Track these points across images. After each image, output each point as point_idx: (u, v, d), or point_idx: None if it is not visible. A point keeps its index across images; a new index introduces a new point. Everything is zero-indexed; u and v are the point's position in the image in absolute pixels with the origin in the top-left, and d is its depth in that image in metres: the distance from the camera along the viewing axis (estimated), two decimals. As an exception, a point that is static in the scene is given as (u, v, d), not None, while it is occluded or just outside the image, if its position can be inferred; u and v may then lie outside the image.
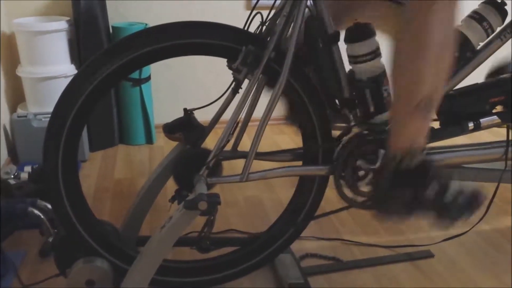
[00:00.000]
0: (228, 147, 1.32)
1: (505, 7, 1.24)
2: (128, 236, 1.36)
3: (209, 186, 1.18)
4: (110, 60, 1.14)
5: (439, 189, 1.15)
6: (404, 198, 1.16)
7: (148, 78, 2.29)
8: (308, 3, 1.17)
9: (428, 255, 1.48)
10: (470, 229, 1.40)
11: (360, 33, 1.20)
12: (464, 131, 1.27)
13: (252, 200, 1.84)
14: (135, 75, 2.22)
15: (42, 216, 1.41)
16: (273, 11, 1.20)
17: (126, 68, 1.15)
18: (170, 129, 1.28)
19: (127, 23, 2.29)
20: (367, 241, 1.56)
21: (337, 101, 1.26)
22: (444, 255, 1.49)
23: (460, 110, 1.27)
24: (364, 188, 1.27)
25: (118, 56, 1.14)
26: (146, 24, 2.24)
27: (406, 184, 1.15)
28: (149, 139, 2.36)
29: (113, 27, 2.24)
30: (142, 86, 2.26)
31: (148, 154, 2.26)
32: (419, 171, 1.14)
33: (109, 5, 2.28)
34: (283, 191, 1.87)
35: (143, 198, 1.35)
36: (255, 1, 1.21)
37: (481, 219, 1.35)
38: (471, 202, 1.16)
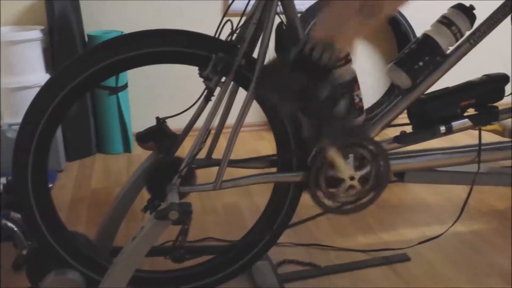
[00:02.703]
0: (203, 154, 1.33)
1: (473, 11, 1.26)
2: (102, 247, 1.34)
3: (182, 195, 1.17)
4: (79, 69, 1.13)
5: (330, 96, 1.12)
6: (296, 84, 1.11)
7: (125, 86, 2.27)
8: (278, 10, 1.17)
9: (405, 258, 1.49)
10: (445, 231, 1.41)
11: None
12: (436, 135, 1.28)
13: (230, 207, 1.83)
14: (112, 83, 2.20)
15: (15, 229, 1.39)
16: (244, 18, 1.21)
17: (95, 78, 1.14)
18: (142, 138, 1.27)
19: (102, 31, 2.27)
20: (344, 245, 1.57)
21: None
22: (420, 258, 1.49)
23: (431, 114, 1.28)
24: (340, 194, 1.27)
25: (88, 65, 1.13)
26: (122, 32, 2.22)
27: (304, 73, 1.11)
28: (127, 148, 2.34)
29: (88, 35, 2.22)
30: (119, 94, 2.24)
31: (126, 162, 2.24)
32: (323, 70, 1.11)
33: (84, 13, 2.26)
34: (261, 198, 1.86)
35: (116, 208, 1.34)
36: (227, 8, 1.22)
37: (455, 221, 1.36)
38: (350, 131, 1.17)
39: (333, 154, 1.19)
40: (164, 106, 2.54)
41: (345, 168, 1.21)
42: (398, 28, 2.47)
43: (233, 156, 1.34)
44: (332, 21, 1.09)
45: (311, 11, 2.42)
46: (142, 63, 1.18)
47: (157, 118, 1.27)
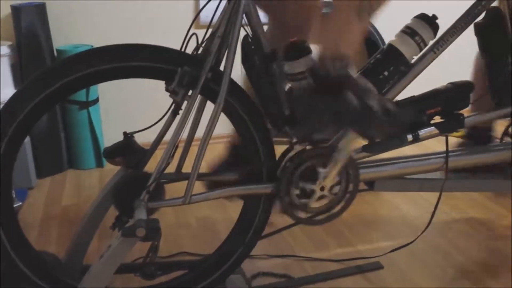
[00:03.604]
0: (174, 169, 1.32)
1: (436, 21, 1.28)
2: (72, 266, 1.31)
3: (151, 210, 1.16)
4: (44, 85, 1.11)
5: (362, 99, 1.13)
6: (327, 108, 1.14)
7: (96, 101, 2.25)
8: (244, 22, 1.18)
9: (378, 266, 1.50)
10: (416, 238, 1.42)
11: (297, 51, 1.21)
12: (403, 143, 1.29)
13: (204, 220, 1.82)
14: (82, 97, 2.18)
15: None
16: (210, 31, 1.21)
17: (60, 93, 1.12)
18: (110, 153, 1.25)
19: (72, 45, 2.24)
20: (319, 255, 1.56)
21: (278, 119, 1.26)
22: (393, 266, 1.50)
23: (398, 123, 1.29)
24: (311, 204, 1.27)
25: (52, 81, 1.11)
26: (91, 46, 2.20)
27: (327, 94, 1.12)
28: (99, 163, 2.31)
29: (57, 50, 2.19)
30: (90, 108, 2.21)
31: (99, 178, 2.21)
32: (339, 80, 1.12)
33: (53, 27, 2.23)
34: (236, 210, 1.83)
35: (86, 226, 1.31)
36: (192, 22, 1.22)
37: (425, 228, 1.38)
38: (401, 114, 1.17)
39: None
40: (137, 120, 2.51)
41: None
42: (368, 38, 2.50)
43: (208, 169, 1.34)
44: (337, 32, 1.11)
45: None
46: (106, 78, 1.17)
47: (125, 133, 1.25)
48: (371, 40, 2.48)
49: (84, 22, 2.32)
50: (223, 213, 1.85)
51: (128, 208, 1.14)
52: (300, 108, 1.16)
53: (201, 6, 1.23)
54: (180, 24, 2.49)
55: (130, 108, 2.46)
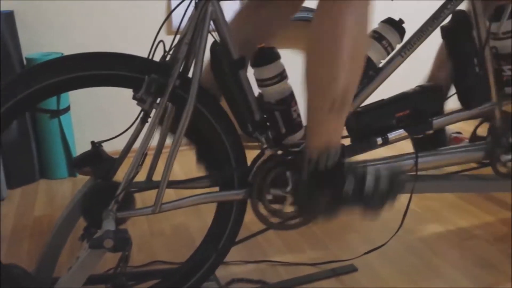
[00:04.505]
0: (144, 177, 1.30)
1: (403, 25, 1.30)
2: (41, 278, 1.28)
3: (120, 220, 1.14)
4: (11, 93, 1.09)
5: (356, 182, 1.18)
6: (325, 199, 1.18)
7: (67, 109, 2.21)
8: (211, 28, 1.17)
9: (352, 269, 1.50)
10: (388, 240, 1.43)
11: (265, 57, 1.21)
12: (373, 146, 1.30)
13: (179, 228, 1.80)
14: (53, 106, 2.14)
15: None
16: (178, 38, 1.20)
17: (27, 102, 1.11)
18: (78, 163, 1.23)
19: (41, 53, 2.21)
20: (294, 260, 1.56)
21: (249, 124, 1.26)
22: (367, 268, 1.51)
23: (368, 126, 1.30)
24: (283, 208, 1.27)
25: (19, 90, 1.10)
26: (62, 54, 2.17)
27: (324, 184, 1.17)
28: (72, 172, 2.27)
29: (26, 58, 2.16)
30: (61, 117, 2.18)
31: (71, 187, 2.18)
32: (335, 170, 1.16)
33: (22, 36, 2.19)
34: (211, 216, 1.84)
35: (54, 238, 1.28)
36: (158, 29, 1.21)
37: (397, 230, 1.39)
38: (392, 185, 1.20)
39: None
40: (110, 128, 2.50)
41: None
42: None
43: (183, 176, 1.33)
44: (316, 131, 1.15)
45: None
46: (73, 87, 1.16)
47: (92, 142, 1.23)
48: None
49: (54, 30, 2.29)
50: (198, 219, 1.84)
51: (96, 218, 1.12)
52: (302, 201, 1.22)
53: (173, 15, 1.22)
54: (152, 31, 2.49)
55: (103, 116, 2.42)
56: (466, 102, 1.39)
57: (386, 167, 1.24)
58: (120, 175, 1.22)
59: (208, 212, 1.87)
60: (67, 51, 2.17)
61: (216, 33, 1.19)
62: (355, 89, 1.15)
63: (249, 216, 1.29)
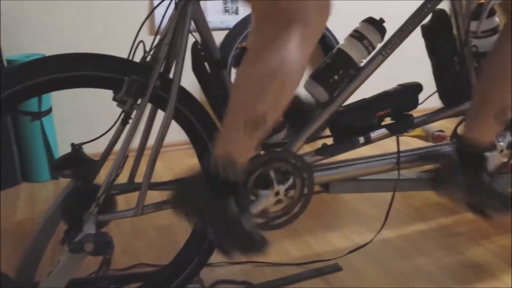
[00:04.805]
0: (126, 179, 1.29)
1: (383, 24, 1.30)
2: (22, 283, 1.27)
3: (101, 224, 1.13)
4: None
5: (239, 209, 1.12)
6: (207, 208, 1.11)
7: (49, 111, 2.19)
8: (192, 28, 1.17)
9: (337, 268, 1.51)
10: (372, 239, 1.44)
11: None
12: (355, 145, 1.30)
13: (163, 229, 1.79)
14: (35, 108, 2.12)
15: None
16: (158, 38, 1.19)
17: (6, 103, 1.09)
18: (57, 166, 1.22)
19: (23, 55, 2.18)
20: (278, 260, 1.56)
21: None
22: (351, 267, 1.51)
23: (349, 126, 1.31)
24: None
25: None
26: (43, 55, 2.14)
27: (217, 192, 1.10)
28: (54, 175, 2.24)
29: (7, 60, 2.13)
30: (43, 119, 2.15)
31: (54, 190, 2.15)
32: (229, 186, 1.10)
33: (3, 37, 2.16)
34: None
35: (35, 242, 1.27)
36: (138, 29, 1.20)
37: (380, 229, 1.40)
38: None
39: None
40: (92, 129, 2.48)
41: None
42: (324, 42, 2.53)
43: (168, 177, 1.31)
44: (225, 139, 1.08)
45: (239, 27, 2.44)
46: (53, 88, 1.14)
47: (72, 145, 1.22)
48: (327, 43, 2.52)
49: (36, 32, 2.27)
50: (182, 221, 1.83)
51: (77, 222, 1.11)
52: (190, 192, 1.13)
53: (156, 15, 1.20)
54: (135, 32, 2.48)
55: (86, 117, 2.40)
56: (447, 100, 1.41)
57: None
58: (101, 178, 1.21)
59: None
60: (49, 53, 2.16)
61: (197, 33, 1.18)
62: (275, 118, 1.07)
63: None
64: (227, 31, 2.50)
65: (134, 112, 1.16)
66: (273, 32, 1.00)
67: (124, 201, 1.27)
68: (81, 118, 2.40)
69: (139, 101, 1.14)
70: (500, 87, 1.22)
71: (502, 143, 1.36)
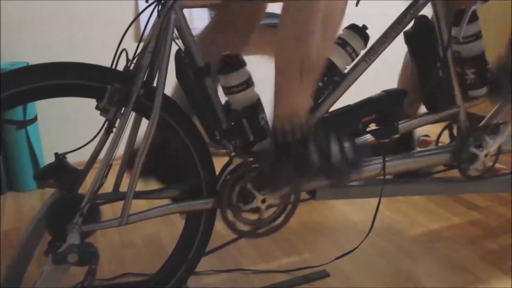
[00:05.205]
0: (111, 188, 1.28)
1: (366, 31, 1.31)
2: (7, 295, 1.25)
3: (86, 234, 1.12)
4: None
5: (322, 152, 1.18)
6: (290, 168, 1.17)
7: (34, 119, 2.17)
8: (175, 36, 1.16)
9: (324, 275, 1.50)
10: (359, 244, 1.44)
11: (231, 65, 1.21)
12: (341, 151, 1.30)
13: (150, 238, 1.78)
14: (19, 117, 2.10)
15: None
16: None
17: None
18: (41, 176, 1.21)
19: (7, 63, 2.16)
20: (266, 267, 1.56)
21: (216, 132, 1.25)
22: (339, 273, 1.51)
23: (335, 132, 1.31)
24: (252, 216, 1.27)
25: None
26: (28, 63, 2.13)
27: (290, 155, 1.16)
28: (39, 185, 2.22)
29: (-9, 68, 2.11)
30: (28, 128, 2.14)
31: (40, 200, 2.13)
32: (301, 142, 1.15)
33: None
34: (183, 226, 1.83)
35: (21, 252, 1.25)
36: (121, 38, 1.19)
37: (367, 234, 1.40)
38: (356, 155, 1.21)
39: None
40: (78, 138, 2.46)
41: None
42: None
43: (156, 184, 1.31)
44: (285, 97, 1.14)
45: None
46: (35, 98, 1.14)
47: (56, 154, 1.21)
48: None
49: (21, 40, 2.25)
50: (170, 229, 1.82)
51: (61, 232, 1.10)
52: (266, 166, 1.20)
53: (141, 22, 1.19)
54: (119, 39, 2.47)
55: (72, 126, 2.38)
56: (431, 105, 1.42)
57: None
58: (87, 187, 1.20)
59: (181, 221, 1.85)
60: (34, 61, 2.15)
61: (180, 40, 1.18)
62: (325, 59, 1.15)
63: (221, 223, 1.28)
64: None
65: (118, 121, 1.15)
66: None
67: (112, 210, 1.26)
68: (67, 126, 2.38)
69: (123, 110, 1.14)
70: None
71: (488, 146, 1.38)
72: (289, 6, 1.11)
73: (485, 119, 1.44)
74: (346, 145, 1.21)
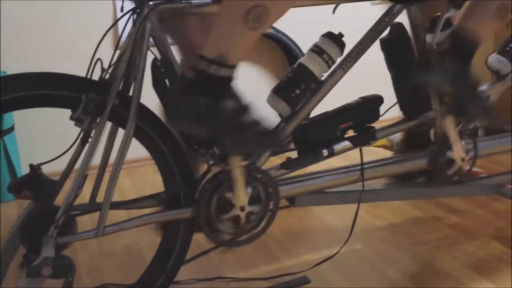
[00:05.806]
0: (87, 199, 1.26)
1: (342, 38, 1.32)
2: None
3: (61, 246, 1.10)
4: None
5: (237, 108, 1.10)
6: (198, 105, 1.07)
7: (11, 129, 2.14)
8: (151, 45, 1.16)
9: (305, 281, 1.50)
10: (339, 250, 1.44)
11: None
12: (319, 158, 1.31)
13: (130, 248, 1.76)
14: (-4, 126, 2.07)
15: None
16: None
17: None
18: (15, 188, 1.19)
19: (-16, 72, 2.13)
20: (247, 275, 1.55)
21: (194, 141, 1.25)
22: (320, 279, 1.51)
23: (313, 139, 1.31)
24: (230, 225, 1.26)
25: None
26: (5, 72, 2.10)
27: (204, 92, 1.07)
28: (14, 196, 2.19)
29: (-33, 77, 2.07)
30: (5, 137, 2.10)
31: (18, 210, 2.09)
32: (222, 83, 1.07)
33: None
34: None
35: (-5, 265, 1.23)
36: (96, 47, 1.18)
37: (347, 240, 1.40)
38: (264, 137, 1.14)
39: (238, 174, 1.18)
40: (57, 147, 2.43)
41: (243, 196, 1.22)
42: (290, 53, 2.55)
43: (135, 194, 1.29)
44: (221, 37, 1.06)
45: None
46: (10, 108, 1.12)
47: (31, 165, 1.19)
48: (293, 55, 2.53)
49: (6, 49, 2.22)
50: (150, 239, 1.80)
51: (35, 245, 1.08)
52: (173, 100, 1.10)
53: (120, 30, 1.18)
54: (100, 48, 2.45)
55: (50, 135, 2.35)
56: (408, 112, 1.43)
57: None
58: (62, 198, 1.18)
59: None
60: (10, 70, 2.12)
61: (156, 49, 1.18)
62: (282, 8, 1.05)
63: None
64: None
65: (94, 131, 1.14)
66: None
67: (91, 220, 1.24)
68: (45, 136, 2.35)
69: (98, 120, 1.13)
70: None
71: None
72: None
73: (461, 124, 1.46)
74: (262, 123, 1.14)
